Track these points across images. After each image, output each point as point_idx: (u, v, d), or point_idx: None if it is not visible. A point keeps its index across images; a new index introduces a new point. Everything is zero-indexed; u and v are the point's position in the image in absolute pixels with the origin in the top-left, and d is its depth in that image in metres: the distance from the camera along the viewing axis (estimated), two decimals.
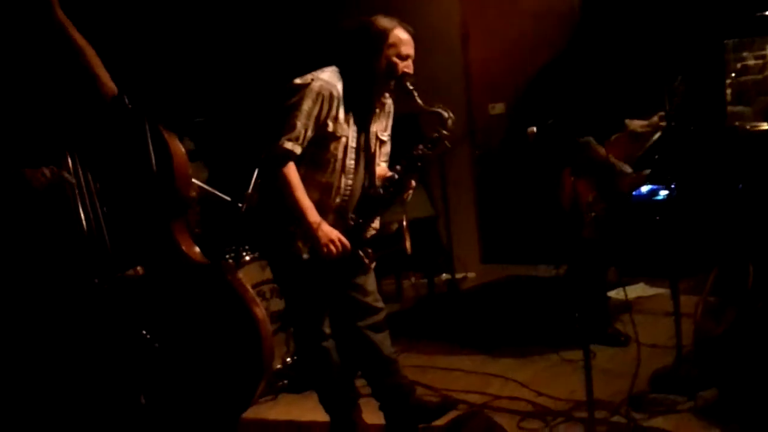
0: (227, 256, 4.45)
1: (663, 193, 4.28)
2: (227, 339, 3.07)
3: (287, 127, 3.26)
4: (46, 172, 2.93)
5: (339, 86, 3.32)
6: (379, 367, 3.64)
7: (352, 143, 3.38)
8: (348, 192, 3.40)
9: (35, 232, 3.01)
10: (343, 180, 3.38)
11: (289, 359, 4.47)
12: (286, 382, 4.39)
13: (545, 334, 4.78)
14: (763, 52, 5.41)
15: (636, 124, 4.20)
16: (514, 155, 6.25)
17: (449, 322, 5.28)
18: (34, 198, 2.93)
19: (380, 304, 3.62)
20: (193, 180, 4.15)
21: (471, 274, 6.48)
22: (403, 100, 3.41)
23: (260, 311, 3.14)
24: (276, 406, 4.23)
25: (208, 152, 3.91)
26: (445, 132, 3.34)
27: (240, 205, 4.56)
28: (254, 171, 4.67)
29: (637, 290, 5.20)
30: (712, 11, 5.63)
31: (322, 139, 3.31)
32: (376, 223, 3.48)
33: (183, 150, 3.26)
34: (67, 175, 2.93)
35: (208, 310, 3.08)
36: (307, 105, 3.25)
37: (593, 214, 4.02)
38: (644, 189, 4.40)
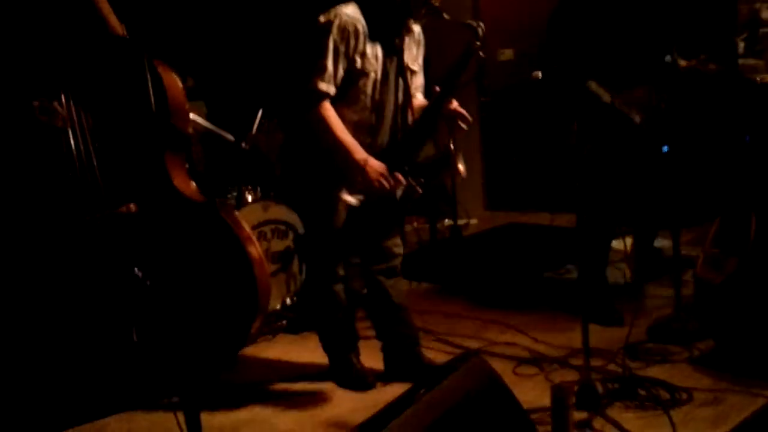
0: (229, 195, 4.45)
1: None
2: (221, 277, 3.07)
3: (318, 67, 3.22)
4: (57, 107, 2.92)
5: (362, 20, 3.26)
6: (387, 312, 3.66)
7: (382, 78, 3.33)
8: (384, 127, 3.37)
9: (26, 165, 3.00)
10: (376, 115, 3.35)
11: (288, 300, 4.48)
12: (285, 322, 4.41)
13: (545, 281, 4.80)
14: None
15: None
16: (521, 102, 6.20)
17: (450, 268, 5.29)
18: (31, 131, 2.92)
19: (399, 250, 3.63)
20: (195, 117, 4.12)
21: (473, 221, 6.47)
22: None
23: (255, 250, 3.13)
24: (274, 345, 4.26)
25: (209, 91, 3.88)
26: (477, 42, 3.25)
27: (243, 144, 4.54)
28: (257, 111, 4.66)
29: None
30: None
31: (351, 76, 3.27)
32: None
33: (180, 85, 3.24)
34: (58, 106, 2.92)
35: (202, 247, 3.07)
36: (333, 43, 3.21)
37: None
38: None
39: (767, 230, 3.69)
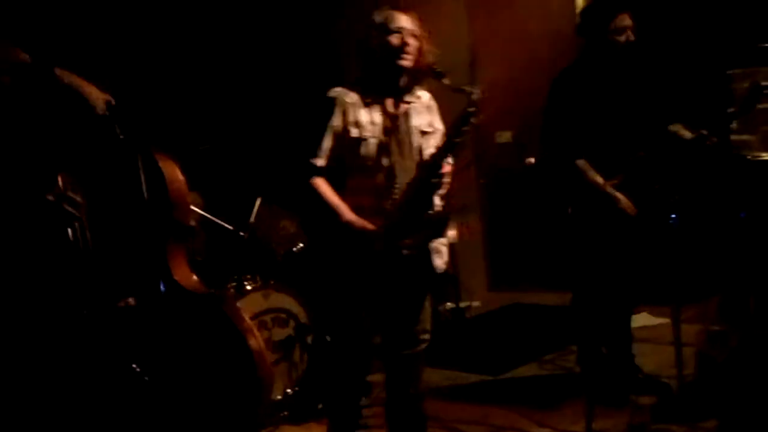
0: (229, 285, 4.47)
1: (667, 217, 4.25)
2: (222, 370, 3.07)
3: (311, 144, 3.40)
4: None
5: (351, 94, 3.40)
6: (403, 400, 3.61)
7: (385, 141, 3.40)
8: (396, 189, 3.40)
9: (31, 256, 3.01)
10: (386, 178, 3.39)
11: (290, 390, 4.46)
12: (287, 413, 4.38)
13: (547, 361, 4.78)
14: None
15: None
16: (521, 183, 6.25)
17: (453, 350, 5.28)
18: (39, 222, 2.95)
19: (425, 336, 3.58)
20: (194, 208, 4.17)
21: (476, 303, 6.44)
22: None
23: (255, 342, 3.14)
24: None
25: (206, 180, 3.95)
26: (473, 108, 3.30)
27: (242, 233, 4.59)
28: (255, 199, 4.72)
29: (640, 319, 5.16)
30: (718, 43, 5.66)
31: (352, 145, 3.38)
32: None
33: (181, 177, 3.30)
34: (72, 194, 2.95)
35: (202, 340, 3.08)
36: (323, 119, 3.38)
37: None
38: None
39: (766, 308, 3.68)
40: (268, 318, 4.45)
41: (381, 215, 3.34)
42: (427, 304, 3.57)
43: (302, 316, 4.58)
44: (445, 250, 3.54)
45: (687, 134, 4.05)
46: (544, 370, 4.94)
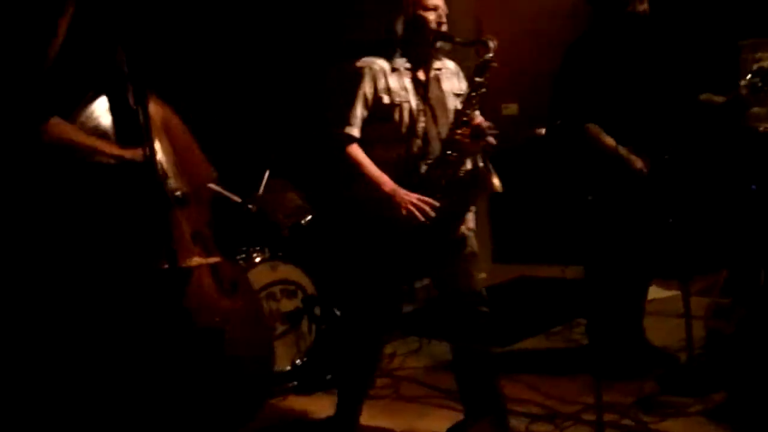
0: (238, 257, 4.46)
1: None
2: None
3: (340, 113, 3.39)
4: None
5: (379, 61, 3.42)
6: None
7: (419, 106, 3.41)
8: (430, 155, 3.40)
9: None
10: (421, 145, 3.40)
11: (298, 361, 4.47)
12: (295, 383, 4.39)
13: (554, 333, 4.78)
14: None
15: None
16: (527, 156, 6.22)
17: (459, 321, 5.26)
18: None
19: (482, 302, 3.60)
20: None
21: (482, 275, 6.41)
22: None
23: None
24: (284, 406, 4.22)
25: (214, 151, 3.93)
26: (490, 55, 3.34)
27: (250, 206, 4.57)
28: (264, 172, 4.70)
29: (650, 292, 5.15)
30: (728, 13, 5.61)
31: (385, 112, 3.39)
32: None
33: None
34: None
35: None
36: (352, 87, 3.38)
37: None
38: None
39: None
40: (276, 289, 4.45)
41: (412, 184, 3.33)
42: (476, 269, 3.62)
43: (310, 288, 4.58)
44: (471, 215, 3.56)
45: (719, 99, 4.02)
46: (551, 343, 4.95)
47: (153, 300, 3.10)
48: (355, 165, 3.37)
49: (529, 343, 4.97)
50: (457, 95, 3.52)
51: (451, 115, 3.44)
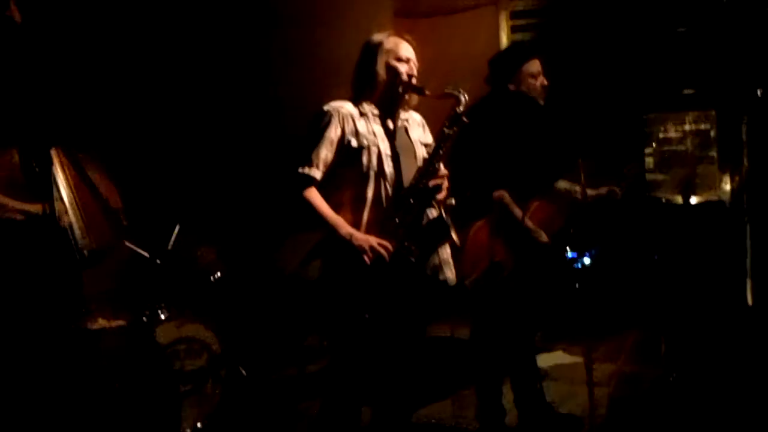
0: (144, 314, 4.37)
1: (584, 260, 4.32)
2: None
3: (303, 154, 3.39)
4: None
5: (348, 105, 3.45)
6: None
7: (387, 151, 3.42)
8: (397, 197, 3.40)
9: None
10: (388, 187, 3.40)
11: (200, 424, 4.35)
12: None
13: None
14: (683, 126, 5.56)
15: (563, 185, 4.23)
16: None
17: None
18: None
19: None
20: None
21: None
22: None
23: None
24: None
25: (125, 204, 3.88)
26: (461, 108, 3.40)
27: (158, 261, 4.49)
28: (175, 227, 4.63)
29: (554, 358, 5.22)
30: (635, 88, 5.82)
31: (352, 156, 3.39)
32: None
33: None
34: None
35: None
36: (319, 129, 3.39)
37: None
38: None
39: (677, 350, 3.76)
40: (180, 348, 4.35)
41: (383, 226, 3.34)
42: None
43: (216, 348, 4.49)
44: (451, 262, 3.57)
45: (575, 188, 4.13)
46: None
47: (57, 359, 3.02)
48: (311, 207, 3.37)
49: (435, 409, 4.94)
50: (425, 145, 3.57)
51: (420, 162, 3.48)
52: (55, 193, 2.95)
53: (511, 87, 4.10)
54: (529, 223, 4.00)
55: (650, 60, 5.97)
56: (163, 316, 4.35)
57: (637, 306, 4.61)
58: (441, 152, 3.41)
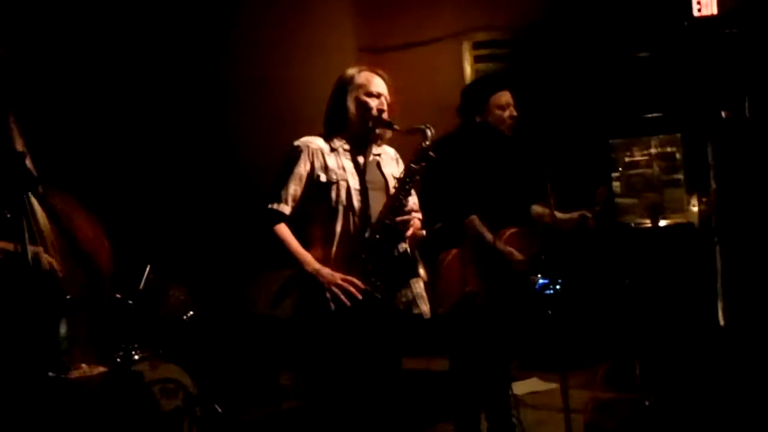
0: (117, 356, 4.32)
1: (543, 283, 4.32)
2: None
3: (272, 190, 3.39)
4: None
5: (318, 140, 3.45)
6: None
7: (356, 186, 3.41)
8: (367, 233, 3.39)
9: None
10: (357, 222, 3.38)
11: None
12: None
13: None
14: (649, 150, 5.63)
15: (537, 210, 4.25)
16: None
17: None
18: None
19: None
20: None
21: None
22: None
23: None
24: None
25: None
26: (427, 143, 3.41)
27: (130, 302, 4.45)
28: (145, 267, 4.60)
29: (529, 385, 5.22)
30: (599, 114, 5.89)
31: (322, 191, 3.39)
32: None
33: None
34: None
35: None
36: (289, 165, 3.40)
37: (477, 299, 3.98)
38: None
39: (652, 375, 3.77)
40: (156, 389, 4.30)
41: (350, 262, 3.33)
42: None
43: (191, 387, 4.45)
44: (425, 296, 3.55)
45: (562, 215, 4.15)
46: None
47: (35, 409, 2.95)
48: (280, 242, 3.36)
49: None
50: (397, 179, 3.54)
51: (381, 200, 3.47)
52: (31, 235, 2.88)
53: (478, 119, 4.12)
54: (500, 245, 4.00)
55: (614, 85, 6.04)
56: (136, 357, 4.30)
57: (610, 331, 4.63)
58: (408, 187, 3.42)
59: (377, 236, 3.36)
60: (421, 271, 3.44)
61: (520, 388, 4.70)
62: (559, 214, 4.15)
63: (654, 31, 6.07)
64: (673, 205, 5.02)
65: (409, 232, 3.44)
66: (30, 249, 2.89)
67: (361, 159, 3.52)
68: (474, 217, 4.03)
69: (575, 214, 4.22)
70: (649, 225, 4.79)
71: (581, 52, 6.29)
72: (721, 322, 4.30)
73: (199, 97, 5.76)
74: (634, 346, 4.18)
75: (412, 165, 3.42)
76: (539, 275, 4.05)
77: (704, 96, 5.24)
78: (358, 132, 3.50)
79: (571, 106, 6.17)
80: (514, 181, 4.10)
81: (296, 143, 3.46)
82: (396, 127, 3.48)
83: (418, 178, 3.43)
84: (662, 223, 4.85)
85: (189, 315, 4.73)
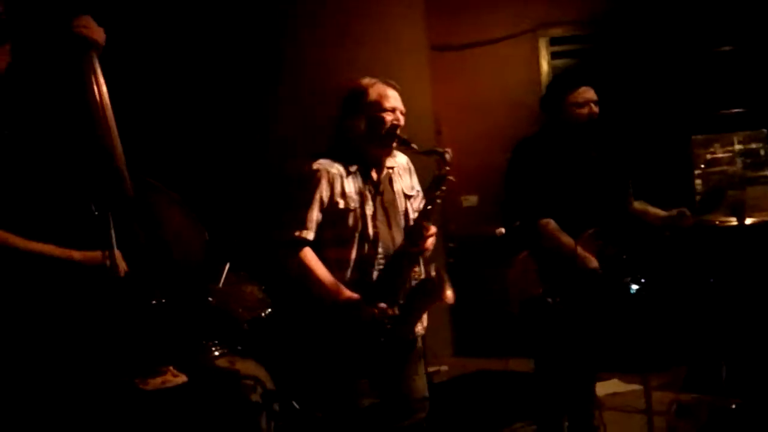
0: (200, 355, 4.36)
1: (634, 286, 4.25)
2: None
3: (295, 216, 3.33)
4: None
5: (336, 165, 3.37)
6: None
7: (369, 211, 3.37)
8: (379, 258, 3.37)
9: None
10: (372, 247, 3.36)
11: None
12: None
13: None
14: (731, 147, 5.51)
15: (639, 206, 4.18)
16: (487, 248, 6.25)
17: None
18: None
19: (423, 404, 3.53)
20: None
21: (444, 367, 6.39)
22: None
23: None
24: None
25: None
26: (447, 167, 3.34)
27: (210, 299, 4.50)
28: (224, 264, 4.64)
29: (610, 386, 5.14)
30: (681, 110, 5.77)
31: (339, 217, 3.34)
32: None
33: None
34: None
35: None
36: (309, 190, 3.32)
37: (550, 300, 3.92)
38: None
39: (737, 377, 3.68)
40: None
41: (362, 288, 3.31)
42: (422, 370, 3.54)
43: (269, 383, 4.48)
44: (425, 315, 3.52)
45: (656, 211, 4.07)
46: None
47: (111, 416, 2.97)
48: (308, 269, 3.31)
49: None
50: (408, 196, 3.51)
51: (401, 217, 3.44)
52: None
53: (558, 117, 4.07)
54: (579, 249, 3.93)
55: (695, 81, 5.91)
56: (215, 353, 4.35)
57: (694, 332, 4.52)
58: (429, 215, 3.35)
59: (403, 262, 3.34)
60: (448, 293, 3.38)
61: (601, 389, 4.62)
62: (657, 211, 4.08)
63: (736, 24, 5.92)
64: (758, 202, 4.90)
65: (428, 253, 3.41)
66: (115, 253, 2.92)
67: (374, 176, 3.45)
68: (549, 221, 3.97)
69: (674, 212, 4.13)
70: (735, 223, 4.66)
71: (661, 46, 6.16)
72: None
73: (267, 94, 5.80)
74: (719, 347, 4.07)
75: (430, 192, 3.35)
76: (629, 279, 3.97)
77: None
78: (372, 151, 3.43)
79: (651, 101, 6.05)
80: (594, 180, 4.03)
81: (315, 167, 3.36)
82: (414, 146, 3.37)
83: (439, 202, 3.35)
84: (748, 221, 4.72)
85: (267, 312, 4.77)
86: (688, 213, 4.06)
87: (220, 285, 4.58)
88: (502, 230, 3.68)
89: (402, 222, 3.44)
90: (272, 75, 5.94)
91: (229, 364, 4.35)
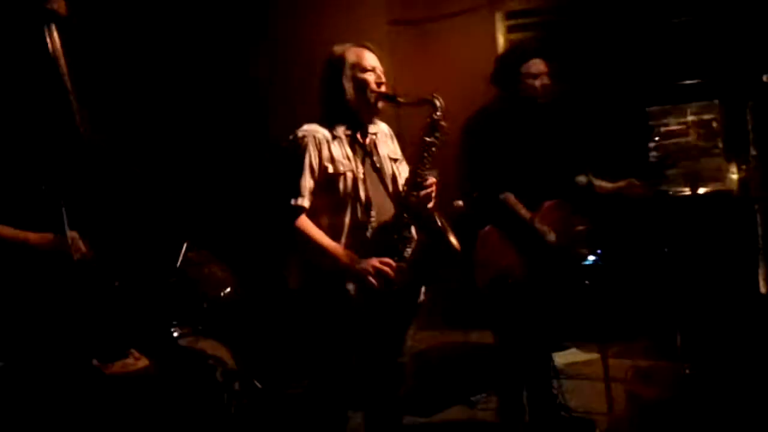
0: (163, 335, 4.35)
1: (591, 257, 4.30)
2: None
3: (291, 185, 3.30)
4: None
5: (322, 130, 3.35)
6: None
7: (360, 175, 3.35)
8: (372, 222, 3.34)
9: None
10: (365, 212, 3.34)
11: None
12: None
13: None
14: (685, 118, 5.56)
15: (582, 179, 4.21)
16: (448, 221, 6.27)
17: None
18: None
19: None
20: None
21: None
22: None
23: None
24: None
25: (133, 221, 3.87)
26: (438, 113, 3.34)
27: (171, 279, 4.48)
28: (183, 245, 4.62)
29: (568, 356, 5.21)
30: (636, 81, 5.81)
31: (330, 182, 3.32)
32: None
33: None
34: None
35: None
36: (298, 159, 3.29)
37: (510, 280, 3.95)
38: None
39: (692, 345, 3.74)
40: None
41: (382, 246, 3.28)
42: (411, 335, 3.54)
43: (230, 363, 4.48)
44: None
45: (603, 183, 4.11)
46: (476, 411, 4.91)
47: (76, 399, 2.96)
48: (306, 236, 3.29)
49: (453, 413, 4.91)
50: (393, 159, 3.50)
51: (390, 180, 3.43)
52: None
53: (511, 88, 4.08)
54: (537, 223, 3.96)
55: (650, 52, 5.95)
56: (176, 334, 4.34)
57: (651, 302, 4.58)
58: (426, 163, 3.35)
59: (405, 215, 3.32)
60: (453, 240, 3.37)
61: (559, 358, 4.69)
62: (604, 183, 4.12)
63: None
64: (711, 173, 4.96)
65: (431, 205, 3.38)
66: (69, 235, 2.90)
67: (361, 139, 3.43)
68: (508, 195, 3.99)
69: (622, 183, 4.17)
70: (688, 193, 4.72)
71: (617, 19, 6.19)
72: (762, 290, 4.24)
73: (234, 69, 5.79)
74: (674, 316, 4.13)
75: (426, 138, 3.35)
76: (587, 251, 4.01)
77: (743, 61, 5.14)
78: (359, 113, 3.41)
79: (606, 74, 6.08)
80: (550, 153, 4.06)
81: (300, 133, 3.36)
82: (400, 99, 3.38)
83: (435, 150, 3.35)
84: (701, 191, 4.78)
85: (227, 292, 4.75)
86: (637, 183, 4.11)
87: (179, 264, 4.56)
88: (460, 203, 3.68)
89: (390, 186, 3.42)
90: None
91: (191, 344, 4.36)
